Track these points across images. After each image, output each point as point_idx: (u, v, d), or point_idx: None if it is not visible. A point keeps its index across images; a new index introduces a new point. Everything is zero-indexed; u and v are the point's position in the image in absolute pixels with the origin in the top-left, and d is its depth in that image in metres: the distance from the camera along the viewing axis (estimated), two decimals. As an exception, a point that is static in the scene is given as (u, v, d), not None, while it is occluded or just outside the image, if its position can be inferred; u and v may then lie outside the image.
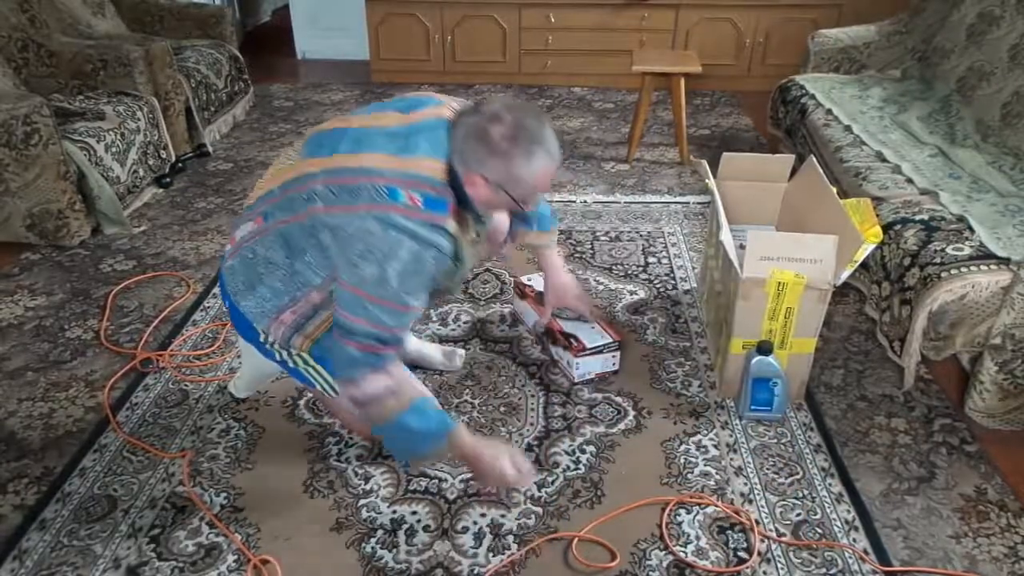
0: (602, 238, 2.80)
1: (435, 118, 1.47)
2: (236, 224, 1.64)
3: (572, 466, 1.79)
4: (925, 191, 2.25)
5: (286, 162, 1.58)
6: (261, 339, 1.66)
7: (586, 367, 2.02)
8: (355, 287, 1.40)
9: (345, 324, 1.43)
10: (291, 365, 1.70)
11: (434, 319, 2.33)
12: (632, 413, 1.95)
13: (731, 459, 1.81)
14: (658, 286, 2.50)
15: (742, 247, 1.81)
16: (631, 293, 2.46)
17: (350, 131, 1.50)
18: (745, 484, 1.74)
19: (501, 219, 1.78)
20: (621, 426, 1.90)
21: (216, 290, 2.40)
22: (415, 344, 2.08)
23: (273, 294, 1.57)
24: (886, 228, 2.08)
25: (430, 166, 1.41)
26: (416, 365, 2.06)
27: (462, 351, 2.13)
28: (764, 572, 1.53)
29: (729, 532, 1.62)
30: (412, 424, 1.47)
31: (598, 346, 2.01)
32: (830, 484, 1.74)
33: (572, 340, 2.01)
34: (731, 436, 1.87)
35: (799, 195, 2.18)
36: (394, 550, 1.58)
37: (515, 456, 1.50)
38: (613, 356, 2.05)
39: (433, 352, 2.10)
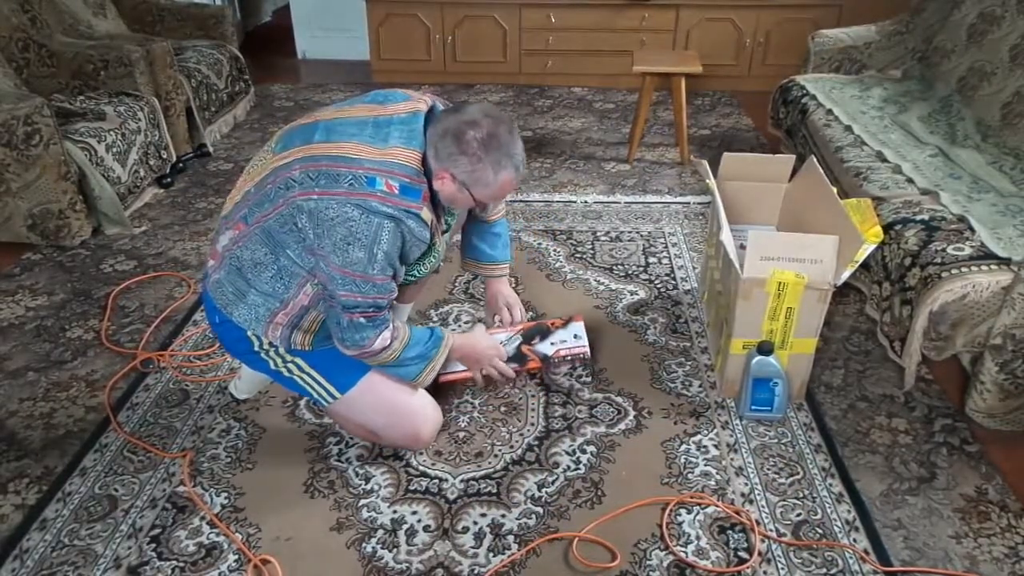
0: (602, 238, 2.80)
1: (411, 112, 1.54)
2: (216, 237, 1.65)
3: (572, 466, 1.79)
4: (925, 191, 2.25)
5: (258, 164, 1.61)
6: (255, 347, 1.66)
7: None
8: (344, 268, 1.48)
9: (344, 301, 1.52)
10: (285, 375, 1.70)
11: (434, 319, 2.33)
12: (632, 413, 1.95)
13: (731, 459, 1.81)
14: (658, 286, 2.50)
15: (743, 247, 1.82)
16: (631, 293, 2.46)
17: (321, 123, 1.55)
18: (745, 484, 1.74)
19: (461, 214, 1.87)
20: (621, 426, 1.91)
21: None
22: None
23: (263, 300, 1.59)
24: (886, 228, 2.08)
25: (406, 156, 1.49)
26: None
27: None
28: (764, 572, 1.53)
29: (729, 532, 1.62)
30: (416, 351, 1.68)
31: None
32: (830, 484, 1.73)
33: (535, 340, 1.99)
34: (731, 436, 1.87)
35: (800, 195, 2.18)
36: (394, 550, 1.58)
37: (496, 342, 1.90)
38: (576, 339, 1.99)
39: None
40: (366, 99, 1.61)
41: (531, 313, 2.30)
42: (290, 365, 1.69)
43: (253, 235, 1.55)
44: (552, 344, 1.98)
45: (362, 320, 1.54)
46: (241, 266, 1.58)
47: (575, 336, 2.00)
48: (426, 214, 1.52)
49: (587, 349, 1.99)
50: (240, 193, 1.62)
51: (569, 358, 2.00)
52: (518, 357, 1.95)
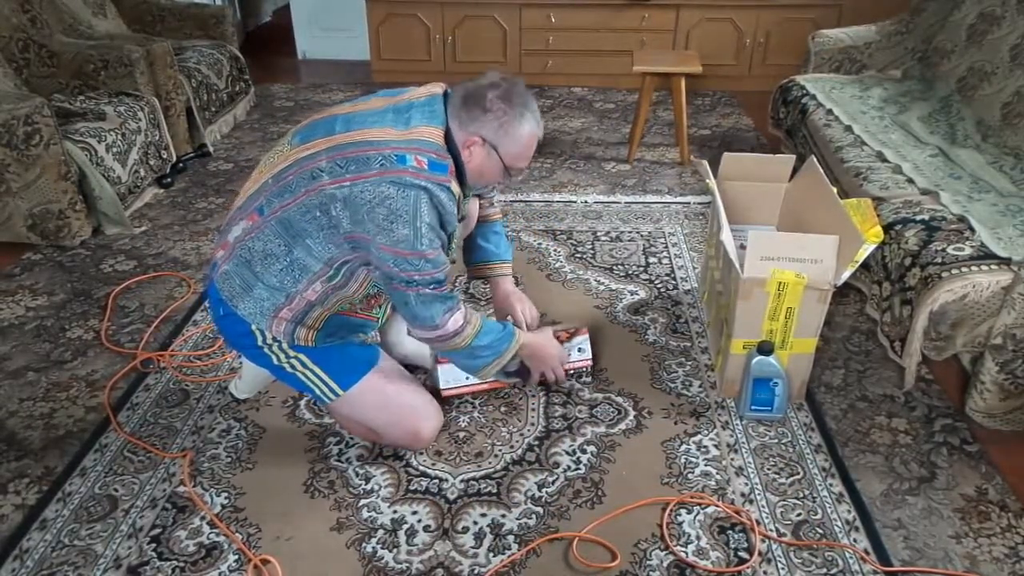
0: (603, 238, 2.80)
1: (429, 95, 1.58)
2: (226, 229, 1.64)
3: (573, 466, 1.79)
4: (926, 191, 2.25)
5: (274, 157, 1.62)
6: (259, 342, 1.66)
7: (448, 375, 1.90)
8: (394, 247, 1.49)
9: (402, 279, 1.54)
10: (287, 371, 1.70)
11: (435, 319, 2.33)
12: (633, 413, 1.95)
13: (732, 459, 1.81)
14: (659, 286, 2.50)
15: (743, 247, 1.82)
16: (632, 293, 2.46)
17: (339, 116, 1.58)
18: (746, 484, 1.74)
19: (472, 205, 1.89)
20: (622, 426, 1.91)
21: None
22: (413, 344, 2.07)
23: (270, 294, 1.59)
24: (887, 228, 2.09)
25: (430, 132, 1.51)
26: (414, 365, 2.06)
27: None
28: (765, 572, 1.53)
29: (730, 532, 1.62)
30: (487, 340, 1.69)
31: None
32: (831, 484, 1.74)
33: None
34: (732, 436, 1.87)
35: (800, 195, 2.18)
36: (395, 550, 1.58)
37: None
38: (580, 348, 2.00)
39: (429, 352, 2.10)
40: (379, 94, 1.64)
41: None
42: (293, 361, 1.69)
43: (268, 226, 1.55)
44: None
45: (428, 292, 1.55)
46: (251, 258, 1.58)
47: (579, 350, 2.00)
48: (455, 187, 1.54)
49: (590, 363, 2.00)
50: (256, 184, 1.61)
51: (572, 372, 2.00)
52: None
